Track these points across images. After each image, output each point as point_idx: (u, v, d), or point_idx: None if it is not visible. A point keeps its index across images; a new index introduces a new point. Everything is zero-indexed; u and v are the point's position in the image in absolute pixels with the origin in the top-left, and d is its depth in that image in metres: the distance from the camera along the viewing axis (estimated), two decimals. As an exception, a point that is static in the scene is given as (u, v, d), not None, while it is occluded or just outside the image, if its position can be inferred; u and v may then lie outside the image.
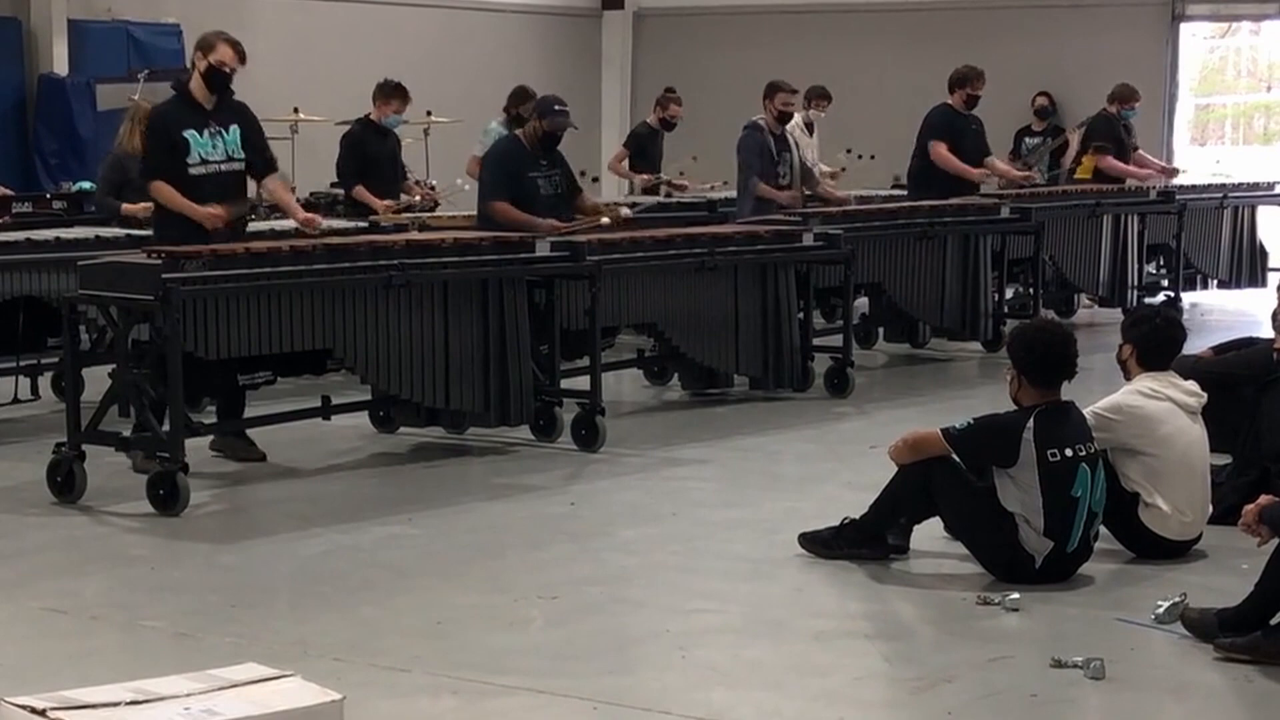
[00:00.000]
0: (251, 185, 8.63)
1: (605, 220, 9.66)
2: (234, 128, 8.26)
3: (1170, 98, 17.73)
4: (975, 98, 12.42)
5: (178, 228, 8.09)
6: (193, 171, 8.14)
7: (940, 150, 12.31)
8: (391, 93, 11.32)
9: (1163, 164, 14.69)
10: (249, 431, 8.51)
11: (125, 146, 10.24)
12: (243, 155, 8.28)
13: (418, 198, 11.66)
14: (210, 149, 8.17)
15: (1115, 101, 13.81)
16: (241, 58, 8.21)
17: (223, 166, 8.23)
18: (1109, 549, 6.65)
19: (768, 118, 11.57)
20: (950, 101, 12.44)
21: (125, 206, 10.07)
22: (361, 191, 11.23)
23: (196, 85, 8.19)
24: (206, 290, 7.47)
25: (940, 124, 12.42)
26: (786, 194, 11.38)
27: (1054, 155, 15.77)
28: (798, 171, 11.77)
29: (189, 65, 8.26)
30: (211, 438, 8.45)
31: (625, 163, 13.59)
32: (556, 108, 9.58)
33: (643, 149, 13.48)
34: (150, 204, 9.89)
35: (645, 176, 13.47)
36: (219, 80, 8.17)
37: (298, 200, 12.32)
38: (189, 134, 8.12)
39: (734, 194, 13.18)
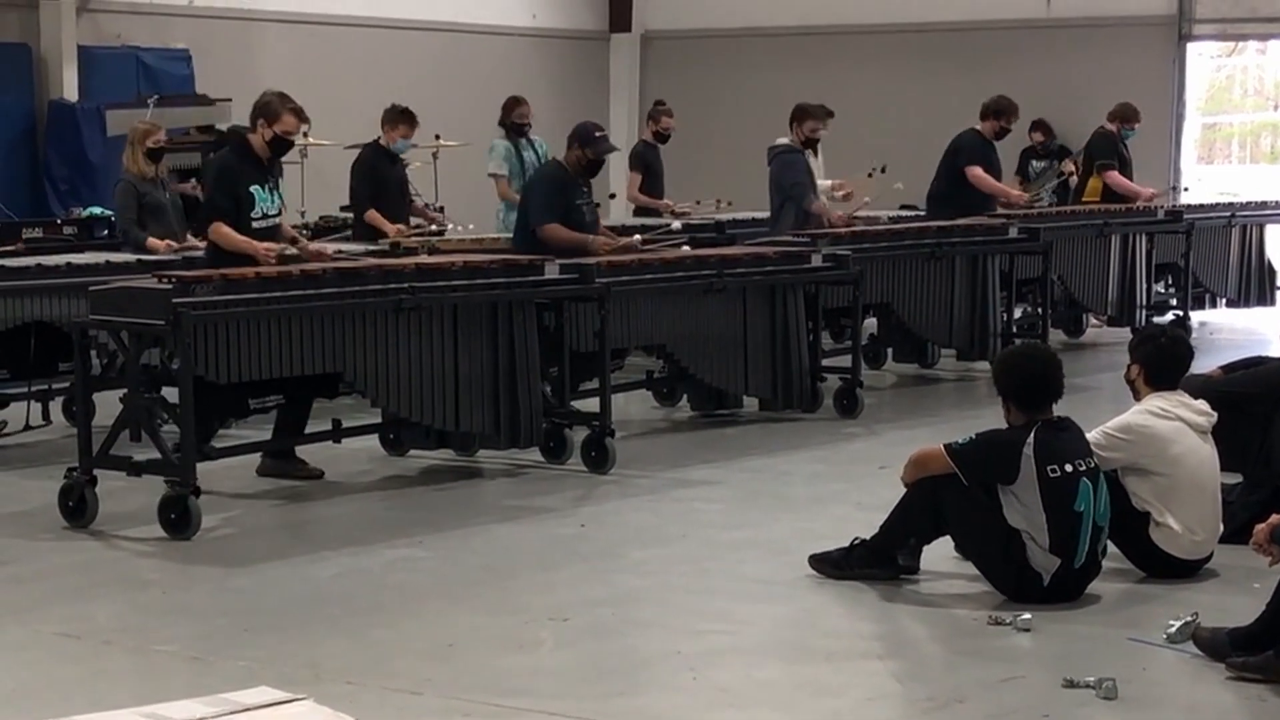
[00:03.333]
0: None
1: (638, 238, 9.88)
2: (280, 182, 8.60)
3: (1177, 117, 17.73)
4: (1007, 130, 12.74)
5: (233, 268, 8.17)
6: (255, 225, 8.37)
7: (978, 172, 12.54)
8: (399, 118, 11.36)
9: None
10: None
11: (134, 170, 10.30)
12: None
13: (432, 226, 11.68)
14: (269, 204, 8.45)
15: (1116, 120, 13.83)
16: (305, 121, 8.47)
17: (275, 219, 8.54)
18: (1120, 568, 6.65)
19: (794, 140, 11.75)
20: (980, 128, 12.62)
21: (150, 241, 10.09)
22: (374, 215, 11.27)
23: (259, 145, 8.38)
24: (217, 314, 7.49)
25: (974, 149, 12.64)
26: (839, 214, 11.70)
27: (1062, 183, 15.76)
28: None
29: (252, 125, 8.41)
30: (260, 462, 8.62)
31: (637, 186, 13.54)
32: (598, 135, 9.72)
33: (648, 166, 13.47)
34: (170, 243, 10.00)
35: (664, 202, 13.40)
36: (283, 149, 8.49)
37: (306, 226, 12.45)
38: (255, 189, 8.36)
39: (740, 215, 13.22)
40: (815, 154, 13.19)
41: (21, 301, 9.09)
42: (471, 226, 12.24)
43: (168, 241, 10.04)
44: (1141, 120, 13.88)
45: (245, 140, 8.43)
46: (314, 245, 8.99)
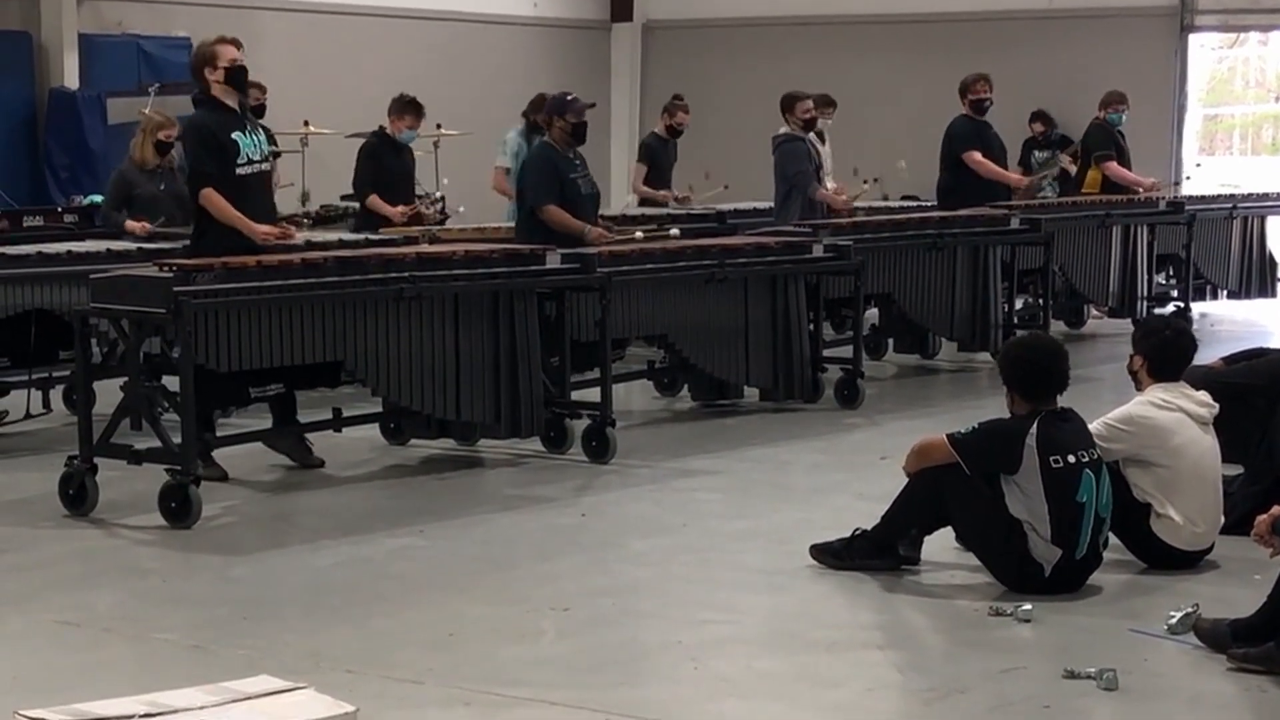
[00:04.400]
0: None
1: (639, 234, 9.98)
2: (259, 128, 8.44)
3: (1179, 108, 17.72)
4: (979, 101, 12.57)
5: (222, 238, 8.13)
6: (240, 172, 8.23)
7: (977, 157, 12.47)
8: (405, 108, 11.36)
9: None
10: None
11: (136, 158, 10.30)
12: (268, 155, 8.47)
13: (434, 209, 11.66)
14: (253, 148, 8.29)
15: (1102, 108, 13.82)
16: (239, 46, 8.31)
17: (263, 165, 8.40)
18: (1120, 559, 6.65)
19: (793, 128, 11.79)
20: (964, 111, 12.56)
21: (128, 224, 10.11)
22: (376, 200, 11.28)
23: (221, 91, 8.24)
24: (218, 303, 7.48)
25: (967, 133, 12.59)
26: (842, 199, 11.85)
27: (1062, 172, 15.75)
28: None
29: (203, 80, 8.28)
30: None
31: (642, 178, 13.50)
32: (569, 99, 9.79)
33: (655, 159, 13.43)
34: (145, 224, 9.98)
35: (665, 193, 13.37)
36: (240, 77, 8.28)
37: (308, 214, 12.43)
38: (236, 135, 8.22)
39: (742, 205, 13.23)
40: (823, 142, 13.20)
41: (22, 289, 9.07)
42: (462, 209, 12.20)
43: (143, 223, 10.05)
44: (1129, 104, 13.84)
45: (210, 95, 8.29)
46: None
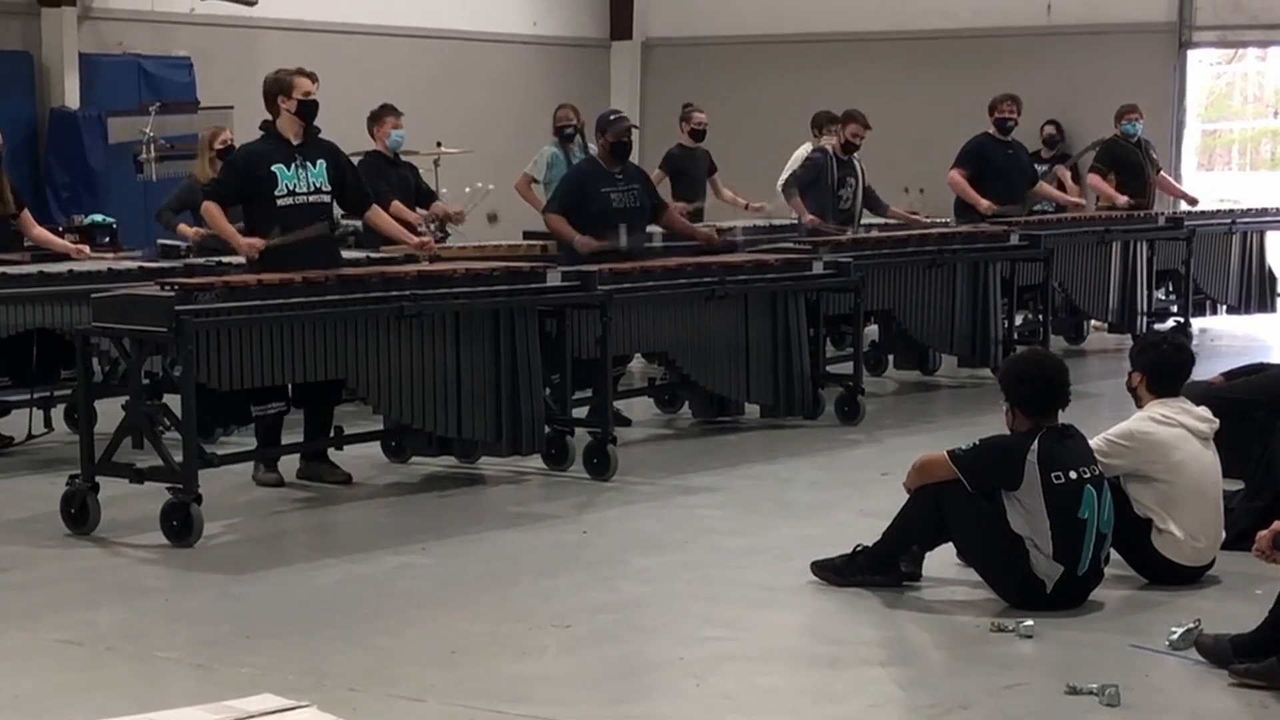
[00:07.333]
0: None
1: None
2: (320, 162, 8.49)
3: (1178, 124, 17.74)
4: (1004, 120, 12.78)
5: (278, 256, 8.25)
6: (280, 203, 8.35)
7: (955, 176, 12.60)
8: (383, 113, 11.30)
9: (1184, 191, 15.01)
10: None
11: (200, 178, 10.28)
12: (329, 188, 8.51)
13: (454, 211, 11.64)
14: (296, 181, 8.39)
15: (1116, 123, 13.93)
16: (314, 80, 8.52)
17: (310, 198, 8.44)
18: (1122, 575, 6.66)
19: (834, 143, 12.10)
20: (989, 130, 12.75)
21: (180, 226, 10.21)
22: (398, 207, 11.26)
23: (286, 123, 8.39)
24: (219, 321, 7.50)
25: (968, 151, 12.85)
26: (810, 218, 11.86)
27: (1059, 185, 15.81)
28: (860, 199, 12.19)
29: (274, 107, 8.41)
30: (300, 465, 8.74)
31: (664, 185, 13.52)
32: (612, 117, 10.06)
33: (680, 170, 13.41)
34: (200, 230, 10.08)
35: (681, 205, 13.36)
36: (311, 112, 8.44)
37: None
38: (277, 168, 8.34)
39: (745, 223, 13.28)
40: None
41: (23, 308, 9.08)
42: (491, 186, 12.05)
43: (196, 230, 10.09)
44: (1137, 113, 13.93)
45: (272, 125, 8.45)
46: None
